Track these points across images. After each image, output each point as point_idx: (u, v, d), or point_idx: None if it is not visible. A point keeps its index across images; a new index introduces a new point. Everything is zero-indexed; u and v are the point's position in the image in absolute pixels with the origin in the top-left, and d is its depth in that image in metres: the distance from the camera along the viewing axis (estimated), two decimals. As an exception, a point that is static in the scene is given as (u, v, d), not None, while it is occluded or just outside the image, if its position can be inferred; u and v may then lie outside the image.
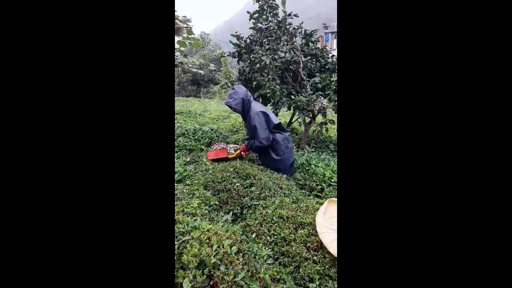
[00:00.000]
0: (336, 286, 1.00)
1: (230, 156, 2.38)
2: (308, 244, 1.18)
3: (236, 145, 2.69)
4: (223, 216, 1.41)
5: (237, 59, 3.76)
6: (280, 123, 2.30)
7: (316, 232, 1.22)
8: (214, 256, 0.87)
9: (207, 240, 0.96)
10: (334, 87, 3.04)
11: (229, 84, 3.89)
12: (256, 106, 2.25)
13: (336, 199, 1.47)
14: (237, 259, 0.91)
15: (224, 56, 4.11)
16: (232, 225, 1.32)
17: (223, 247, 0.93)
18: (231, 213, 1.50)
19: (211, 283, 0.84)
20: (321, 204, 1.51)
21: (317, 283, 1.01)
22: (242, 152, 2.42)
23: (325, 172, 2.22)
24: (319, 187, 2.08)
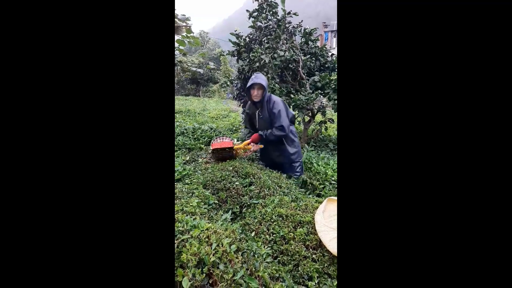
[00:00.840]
0: (335, 284, 1.01)
1: (236, 147, 2.15)
2: (307, 243, 1.18)
3: (240, 142, 2.42)
4: (222, 215, 1.41)
5: (236, 57, 3.75)
6: (294, 115, 2.26)
7: (315, 230, 1.22)
8: (213, 255, 0.87)
9: (206, 239, 0.96)
10: (334, 86, 3.04)
11: (228, 83, 3.89)
12: (275, 96, 2.16)
13: (335, 197, 1.47)
14: (236, 258, 0.91)
15: (223, 55, 4.11)
16: (231, 224, 1.32)
17: (222, 246, 0.93)
18: (230, 212, 1.50)
19: (210, 282, 0.84)
20: (320, 202, 1.51)
21: (316, 281, 1.01)
22: (250, 144, 2.16)
23: (327, 171, 2.23)
24: (322, 186, 2.08)
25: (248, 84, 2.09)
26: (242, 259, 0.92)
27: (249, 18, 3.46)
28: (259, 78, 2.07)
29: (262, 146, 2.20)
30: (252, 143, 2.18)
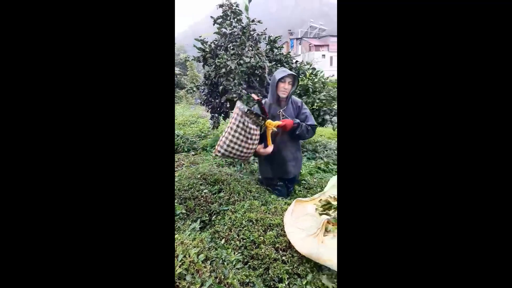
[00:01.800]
0: (304, 283, 1.03)
1: (268, 122, 1.62)
2: (277, 245, 1.20)
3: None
4: (190, 224, 1.36)
5: (202, 63, 3.71)
6: None
7: (285, 232, 1.24)
8: (179, 267, 0.84)
9: (172, 251, 0.92)
10: (298, 91, 3.17)
11: (194, 89, 3.82)
12: (296, 97, 1.92)
13: (303, 199, 1.52)
14: (205, 267, 0.89)
15: (189, 60, 4.04)
16: (200, 233, 1.28)
17: (189, 256, 0.90)
18: (198, 221, 1.45)
19: (177, 295, 0.80)
20: (289, 204, 1.55)
21: (286, 283, 1.02)
22: (277, 128, 1.65)
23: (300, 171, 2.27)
24: (298, 189, 2.10)
25: (280, 76, 1.69)
26: (210, 268, 0.90)
27: (214, 24, 3.46)
28: (289, 71, 1.73)
29: (272, 147, 1.72)
30: (285, 127, 1.68)
